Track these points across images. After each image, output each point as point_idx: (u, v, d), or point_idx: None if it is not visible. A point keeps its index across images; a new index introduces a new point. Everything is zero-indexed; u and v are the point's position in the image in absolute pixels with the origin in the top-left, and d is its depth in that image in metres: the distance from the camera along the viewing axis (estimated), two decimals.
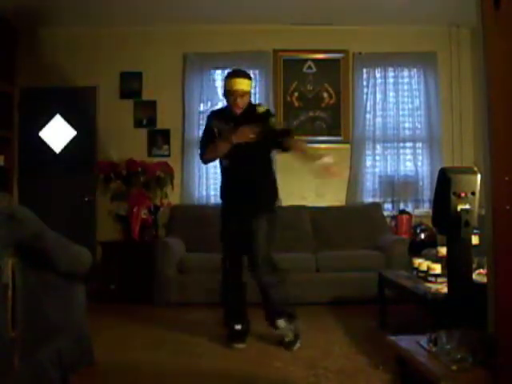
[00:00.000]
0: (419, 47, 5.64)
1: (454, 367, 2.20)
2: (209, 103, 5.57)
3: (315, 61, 5.71)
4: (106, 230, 5.53)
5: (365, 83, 5.69)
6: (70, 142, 5.56)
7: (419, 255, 4.01)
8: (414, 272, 3.57)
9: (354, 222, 5.26)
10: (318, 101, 5.72)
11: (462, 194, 2.77)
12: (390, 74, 5.71)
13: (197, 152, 5.57)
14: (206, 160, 3.60)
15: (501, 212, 2.04)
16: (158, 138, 5.65)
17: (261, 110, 3.44)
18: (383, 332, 3.48)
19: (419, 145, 5.72)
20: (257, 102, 5.50)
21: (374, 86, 5.70)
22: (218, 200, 3.71)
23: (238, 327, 3.50)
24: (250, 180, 3.41)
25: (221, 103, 4.67)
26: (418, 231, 5.26)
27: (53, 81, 5.48)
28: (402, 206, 5.60)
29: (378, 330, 3.72)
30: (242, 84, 3.33)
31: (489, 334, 2.23)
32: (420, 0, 4.93)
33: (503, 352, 2.03)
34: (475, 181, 2.82)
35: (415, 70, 5.74)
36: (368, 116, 5.68)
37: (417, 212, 5.55)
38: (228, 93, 3.38)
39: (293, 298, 4.53)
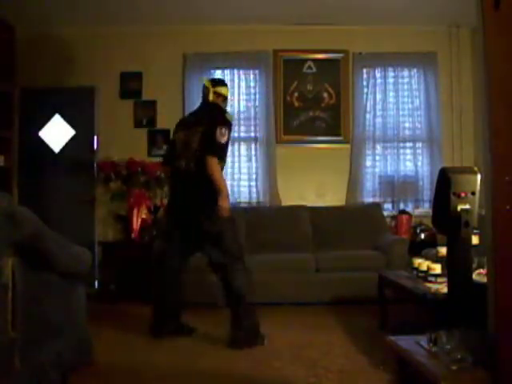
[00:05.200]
0: (419, 47, 5.64)
1: (454, 367, 2.20)
2: None
3: (315, 61, 5.71)
4: (105, 229, 5.54)
5: (365, 83, 5.69)
6: (70, 142, 5.56)
7: (419, 255, 4.02)
8: (414, 272, 3.57)
9: (353, 222, 5.25)
10: (318, 101, 5.71)
11: (462, 194, 2.77)
12: (390, 73, 5.71)
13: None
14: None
15: (501, 212, 2.04)
16: (158, 137, 5.64)
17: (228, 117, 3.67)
18: (383, 332, 3.48)
19: (419, 145, 5.72)
20: (257, 103, 5.63)
21: (374, 86, 5.70)
22: None
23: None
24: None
25: None
26: (418, 231, 5.26)
27: (53, 81, 5.48)
28: (402, 206, 5.60)
29: (377, 330, 3.72)
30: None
31: (489, 334, 2.23)
32: (420, 0, 4.94)
33: (503, 352, 2.03)
34: (475, 181, 2.82)
35: (415, 69, 5.73)
36: (368, 116, 5.68)
37: (417, 212, 5.55)
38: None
39: (293, 298, 4.61)
